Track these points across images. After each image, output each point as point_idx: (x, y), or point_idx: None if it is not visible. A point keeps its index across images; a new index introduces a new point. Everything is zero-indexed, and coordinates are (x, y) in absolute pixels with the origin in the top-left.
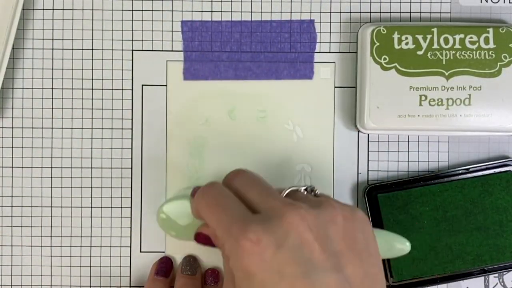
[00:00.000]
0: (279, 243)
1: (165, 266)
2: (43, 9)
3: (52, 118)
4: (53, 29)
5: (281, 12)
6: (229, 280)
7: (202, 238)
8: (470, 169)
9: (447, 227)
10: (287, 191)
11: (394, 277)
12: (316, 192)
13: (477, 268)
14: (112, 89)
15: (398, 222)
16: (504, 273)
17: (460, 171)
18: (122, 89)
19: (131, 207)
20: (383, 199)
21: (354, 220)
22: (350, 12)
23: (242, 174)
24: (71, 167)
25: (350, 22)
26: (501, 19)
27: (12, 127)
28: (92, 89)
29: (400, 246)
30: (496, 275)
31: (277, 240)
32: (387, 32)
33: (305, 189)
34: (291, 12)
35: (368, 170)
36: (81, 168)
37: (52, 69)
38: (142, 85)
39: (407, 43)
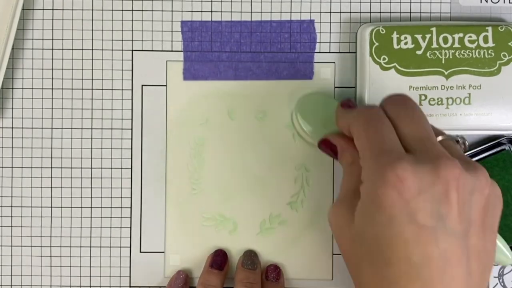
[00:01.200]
0: (422, 189)
1: (220, 259)
2: (43, 9)
3: (52, 118)
4: (53, 29)
5: (281, 12)
6: (349, 196)
7: (327, 146)
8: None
9: None
10: (440, 139)
11: None
12: (466, 143)
13: None
14: (112, 89)
15: None
16: (505, 273)
17: None
18: (122, 89)
19: (131, 207)
20: None
21: (495, 196)
22: (350, 12)
23: (405, 103)
24: (71, 167)
25: (350, 22)
26: (501, 19)
27: (12, 127)
28: (92, 89)
29: (503, 257)
30: (496, 275)
31: (421, 186)
32: (386, 32)
33: (457, 141)
34: (291, 12)
35: None
36: (81, 168)
37: (52, 69)
38: (142, 85)
39: (406, 43)
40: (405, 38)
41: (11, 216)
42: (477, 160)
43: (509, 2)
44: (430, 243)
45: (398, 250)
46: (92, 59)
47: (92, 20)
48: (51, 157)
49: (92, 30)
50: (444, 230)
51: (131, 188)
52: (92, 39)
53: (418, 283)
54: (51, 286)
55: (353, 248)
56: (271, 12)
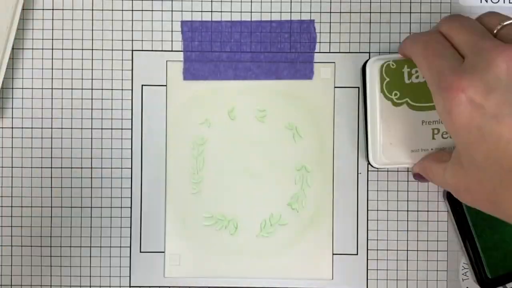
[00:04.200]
0: (490, 88)
1: None
2: (43, 9)
3: (52, 118)
4: (53, 29)
5: (281, 12)
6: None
7: (419, 177)
8: None
9: None
10: (499, 26)
11: (489, 273)
12: None
13: None
14: (112, 89)
15: (485, 219)
16: None
17: None
18: (122, 89)
19: (131, 207)
20: None
21: None
22: (350, 12)
23: (452, 17)
24: (71, 167)
25: (350, 22)
26: None
27: (12, 127)
28: (92, 89)
29: None
30: None
31: (487, 85)
32: (397, 66)
33: None
34: (291, 12)
35: (368, 170)
36: (81, 168)
37: (52, 69)
38: (142, 85)
39: (417, 77)
40: (416, 72)
41: (11, 216)
42: None
43: (509, 2)
44: None
45: (507, 152)
46: (92, 59)
47: (92, 20)
48: (51, 157)
49: (92, 30)
50: None
51: (131, 188)
52: (92, 39)
53: None
54: (51, 286)
55: (481, 189)
56: (271, 12)
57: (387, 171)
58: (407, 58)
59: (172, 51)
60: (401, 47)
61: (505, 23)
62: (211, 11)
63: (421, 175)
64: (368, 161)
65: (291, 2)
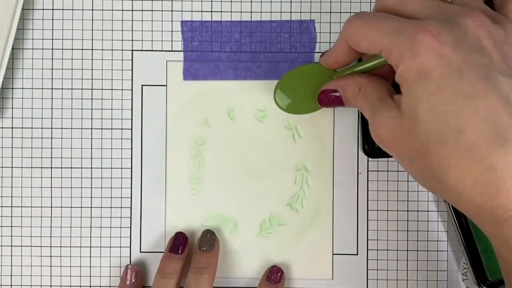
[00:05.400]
0: (458, 42)
1: (179, 243)
2: (43, 9)
3: (51, 118)
4: (53, 29)
5: (281, 12)
6: (379, 107)
7: (327, 95)
8: None
9: None
10: None
11: (489, 275)
12: None
13: None
14: (112, 89)
15: None
16: None
17: None
18: (122, 89)
19: (131, 207)
20: None
21: None
22: (350, 12)
23: None
24: (71, 167)
25: None
26: None
27: (12, 127)
28: (92, 89)
29: None
30: None
31: (456, 39)
32: None
33: None
34: (291, 12)
35: (368, 170)
36: (81, 168)
37: (52, 69)
38: (142, 85)
39: None
40: None
41: (11, 216)
42: None
43: None
44: (491, 92)
45: (463, 111)
46: (92, 59)
47: (92, 20)
48: (51, 157)
49: (92, 30)
50: (497, 76)
51: (131, 188)
52: (92, 39)
53: (496, 137)
54: (51, 286)
55: (413, 142)
56: (271, 12)
57: (387, 171)
58: (353, 42)
59: (172, 51)
60: (347, 32)
61: None
62: (211, 11)
63: (332, 98)
64: (364, 149)
65: (291, 2)
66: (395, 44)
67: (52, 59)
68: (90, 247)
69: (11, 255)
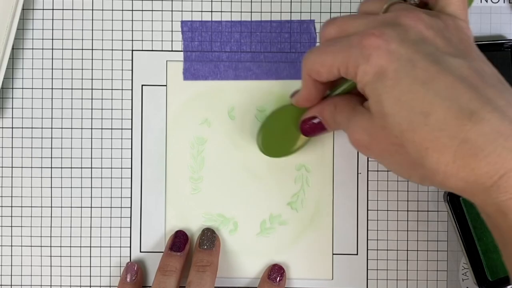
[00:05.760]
0: (402, 37)
1: (179, 241)
2: (43, 9)
3: (52, 118)
4: (53, 29)
5: (281, 12)
6: (350, 111)
7: (308, 125)
8: None
9: None
10: (385, 7)
11: (489, 275)
12: (416, 1)
13: None
14: (112, 89)
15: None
16: None
17: None
18: (122, 89)
19: (131, 207)
20: (467, 202)
21: (459, 30)
22: (350, 12)
23: (330, 21)
24: (71, 167)
25: None
26: (501, 20)
27: (12, 127)
28: (92, 89)
29: None
30: None
31: (399, 35)
32: None
33: (404, 0)
34: (291, 12)
35: (368, 170)
36: (81, 168)
37: (52, 69)
38: (142, 85)
39: None
40: None
41: (11, 216)
42: None
43: (509, 2)
44: (445, 73)
45: (425, 96)
46: (92, 59)
47: (92, 20)
48: (51, 157)
49: (92, 30)
50: (446, 58)
51: (131, 188)
52: (92, 39)
53: (462, 112)
54: (51, 286)
55: (388, 137)
56: (271, 12)
57: (387, 171)
58: (316, 72)
59: (172, 51)
60: (306, 66)
61: (389, 4)
62: (211, 11)
63: (313, 125)
64: None
65: (291, 2)
66: (348, 58)
67: (52, 59)
68: (90, 247)
69: (11, 255)
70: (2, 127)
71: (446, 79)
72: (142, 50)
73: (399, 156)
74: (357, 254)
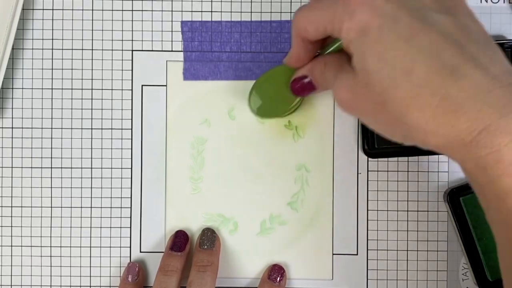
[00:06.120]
0: None
1: (180, 241)
2: (43, 9)
3: (51, 118)
4: (53, 29)
5: (281, 12)
6: (333, 77)
7: (298, 84)
8: None
9: None
10: None
11: (489, 276)
12: None
13: None
14: (111, 89)
15: (485, 222)
16: None
17: None
18: (122, 89)
19: (131, 207)
20: (467, 201)
21: None
22: None
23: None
24: (71, 167)
25: None
26: (501, 20)
27: (12, 127)
28: (92, 89)
29: None
30: None
31: None
32: None
33: None
34: (291, 12)
35: (368, 170)
36: (81, 168)
37: (52, 69)
38: (142, 85)
39: None
40: None
41: (11, 216)
42: None
43: (509, 2)
44: (429, 29)
45: (407, 52)
46: (92, 59)
47: (92, 20)
48: (51, 157)
49: (92, 30)
50: (431, 14)
51: (131, 188)
52: (92, 39)
53: (444, 68)
54: (51, 286)
55: (371, 95)
56: (271, 12)
57: (387, 171)
58: (304, 31)
59: (172, 51)
60: (295, 25)
61: None
62: (211, 11)
63: (303, 84)
64: (364, 149)
65: (291, 2)
66: (333, 15)
67: (52, 59)
68: (90, 247)
69: (11, 255)
70: (2, 127)
71: (430, 35)
72: (142, 50)
73: (382, 115)
74: (357, 254)
